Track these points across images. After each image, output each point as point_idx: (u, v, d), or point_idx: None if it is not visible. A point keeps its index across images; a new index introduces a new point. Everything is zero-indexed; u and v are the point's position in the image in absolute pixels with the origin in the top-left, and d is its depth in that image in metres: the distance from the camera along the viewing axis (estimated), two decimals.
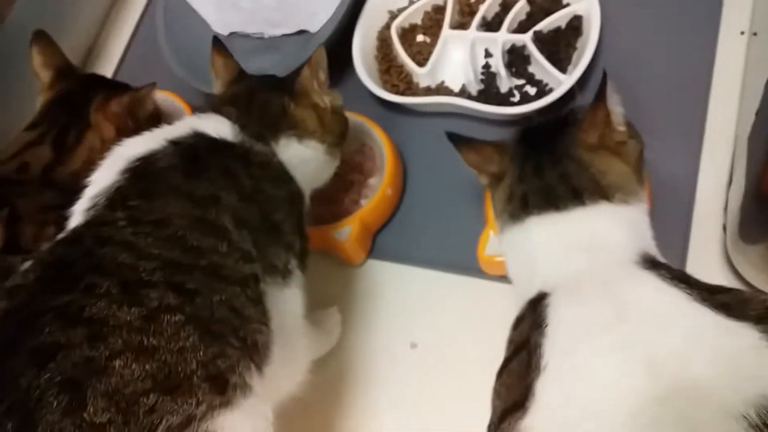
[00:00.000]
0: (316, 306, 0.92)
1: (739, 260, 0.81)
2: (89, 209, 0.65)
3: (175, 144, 0.69)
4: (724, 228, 0.84)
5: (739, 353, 0.53)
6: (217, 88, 0.87)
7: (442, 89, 1.02)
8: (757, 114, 0.79)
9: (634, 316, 0.58)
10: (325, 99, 0.83)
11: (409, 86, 1.04)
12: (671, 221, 0.86)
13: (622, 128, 0.71)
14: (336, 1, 1.02)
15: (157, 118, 0.98)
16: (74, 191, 0.69)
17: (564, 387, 0.56)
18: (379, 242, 0.98)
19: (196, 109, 0.85)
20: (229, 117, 0.77)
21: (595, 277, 0.63)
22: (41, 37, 0.96)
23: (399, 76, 1.04)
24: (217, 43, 0.88)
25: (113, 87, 0.96)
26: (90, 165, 0.72)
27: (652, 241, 0.69)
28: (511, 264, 0.73)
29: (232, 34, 1.14)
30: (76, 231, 0.63)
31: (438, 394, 0.86)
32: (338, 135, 0.86)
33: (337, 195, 0.96)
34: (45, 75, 0.95)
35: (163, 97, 1.07)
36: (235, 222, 0.66)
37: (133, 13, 1.30)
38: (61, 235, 0.63)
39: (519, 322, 0.67)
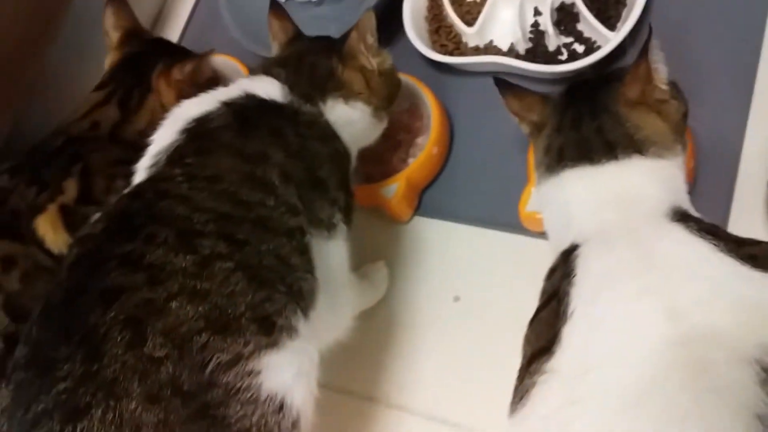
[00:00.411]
0: (365, 260, 0.97)
1: None
2: (151, 166, 0.71)
3: (227, 105, 0.74)
4: None
5: (759, 302, 0.55)
6: (274, 50, 0.91)
7: (490, 48, 1.03)
8: None
9: (658, 265, 0.60)
10: (373, 61, 0.86)
11: (457, 46, 1.05)
12: (716, 178, 0.86)
13: (664, 87, 0.72)
14: None
15: (216, 82, 1.03)
16: (140, 148, 0.75)
17: (588, 332, 0.59)
18: (425, 200, 1.01)
19: (251, 71, 0.89)
20: (278, 78, 0.81)
21: (624, 228, 0.65)
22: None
23: (448, 36, 1.06)
24: (275, 6, 0.92)
25: (176, 52, 1.01)
26: (153, 125, 0.78)
27: (686, 195, 0.70)
28: (546, 216, 0.76)
29: None
30: (140, 186, 0.69)
31: (478, 345, 0.89)
32: (385, 98, 0.89)
33: (386, 154, 0.99)
34: (114, 35, 1.01)
35: (224, 61, 1.12)
36: (282, 178, 0.70)
37: None
38: (126, 190, 0.69)
39: (552, 273, 0.69)
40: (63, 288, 0.61)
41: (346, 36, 0.86)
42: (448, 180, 1.01)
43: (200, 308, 0.58)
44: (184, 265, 0.60)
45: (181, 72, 0.95)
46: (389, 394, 0.92)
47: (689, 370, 0.52)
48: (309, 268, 0.69)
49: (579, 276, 0.63)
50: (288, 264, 0.66)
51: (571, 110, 0.74)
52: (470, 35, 1.03)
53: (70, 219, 0.86)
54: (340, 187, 0.78)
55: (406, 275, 0.97)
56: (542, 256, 0.74)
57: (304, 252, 0.69)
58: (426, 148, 0.96)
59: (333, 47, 0.86)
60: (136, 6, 1.11)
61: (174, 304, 0.58)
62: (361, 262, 0.97)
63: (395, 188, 0.95)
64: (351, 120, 0.84)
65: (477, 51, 1.03)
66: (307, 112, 0.79)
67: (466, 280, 0.95)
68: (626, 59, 0.92)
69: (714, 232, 0.62)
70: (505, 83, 0.80)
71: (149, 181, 0.69)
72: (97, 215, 0.66)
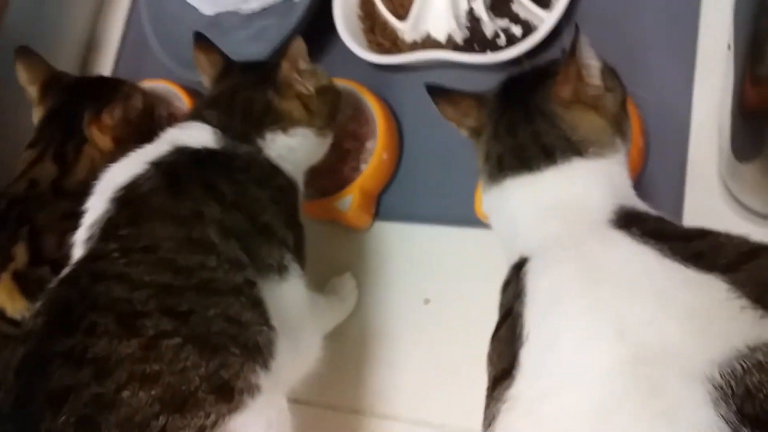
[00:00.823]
0: (330, 273, 0.97)
1: (734, 182, 0.80)
2: (88, 240, 0.69)
3: (156, 165, 0.72)
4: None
5: (707, 309, 0.53)
6: (205, 82, 0.89)
7: (428, 41, 1.00)
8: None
9: (604, 280, 0.59)
10: (309, 85, 0.84)
11: (394, 43, 1.02)
12: (668, 152, 0.85)
13: (597, 82, 0.70)
14: None
15: (150, 111, 1.01)
16: (86, 197, 0.73)
17: (542, 357, 0.58)
18: (384, 203, 1.00)
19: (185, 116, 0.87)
20: (210, 122, 0.79)
21: (569, 240, 0.64)
22: (23, 52, 0.99)
23: (383, 33, 1.03)
24: (199, 38, 0.88)
25: (100, 91, 0.98)
26: (94, 172, 0.76)
27: (630, 190, 0.69)
28: (494, 226, 0.74)
29: (217, 13, 1.14)
30: (76, 268, 0.67)
31: (453, 344, 0.89)
32: (327, 116, 0.86)
33: (337, 165, 0.98)
34: (32, 90, 0.98)
35: (162, 86, 1.10)
36: (222, 233, 0.69)
37: (124, 2, 1.31)
38: (63, 273, 0.68)
39: (506, 286, 0.68)
40: (11, 398, 0.60)
41: (277, 63, 0.83)
42: (403, 181, 1.00)
43: (153, 392, 0.58)
44: (129, 351, 0.59)
45: (111, 118, 0.93)
46: (373, 404, 0.92)
47: (641, 393, 0.51)
48: (263, 320, 0.68)
49: (529, 296, 0.62)
50: (239, 323, 0.65)
51: (506, 115, 0.72)
52: (405, 30, 1.00)
53: (24, 283, 0.85)
54: (287, 225, 0.77)
55: (374, 283, 0.97)
56: None
57: (256, 305, 0.68)
58: (375, 154, 0.95)
59: (267, 78, 0.83)
60: (63, 39, 1.08)
61: (125, 394, 0.57)
62: (327, 277, 0.97)
63: (350, 200, 0.94)
64: (293, 148, 0.82)
65: (414, 46, 1.00)
66: (242, 153, 0.77)
67: (434, 280, 0.94)
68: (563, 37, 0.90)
69: (659, 232, 0.61)
70: (437, 90, 0.78)
71: (85, 260, 0.67)
72: (38, 304, 0.65)
